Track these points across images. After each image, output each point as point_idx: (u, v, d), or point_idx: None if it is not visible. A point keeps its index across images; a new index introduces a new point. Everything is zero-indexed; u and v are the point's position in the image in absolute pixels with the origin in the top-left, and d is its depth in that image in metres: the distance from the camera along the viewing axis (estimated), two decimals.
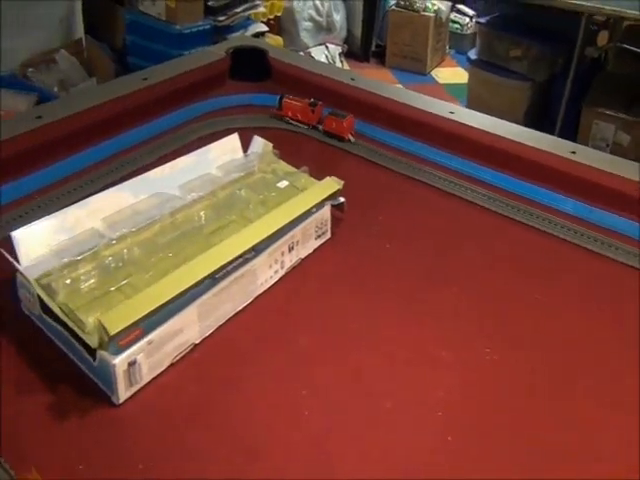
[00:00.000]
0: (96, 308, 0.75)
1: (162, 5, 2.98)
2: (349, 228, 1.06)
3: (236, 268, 0.86)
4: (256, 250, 0.89)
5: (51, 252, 0.82)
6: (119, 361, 0.72)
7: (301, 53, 3.78)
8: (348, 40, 4.43)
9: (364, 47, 4.42)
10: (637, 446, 0.72)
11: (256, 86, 1.49)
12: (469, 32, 4.51)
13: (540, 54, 3.16)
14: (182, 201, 0.95)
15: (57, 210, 0.87)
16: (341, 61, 4.24)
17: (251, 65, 1.53)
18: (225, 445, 0.71)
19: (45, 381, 0.76)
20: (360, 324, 0.89)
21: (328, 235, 1.03)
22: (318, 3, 4.14)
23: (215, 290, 0.83)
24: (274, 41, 3.42)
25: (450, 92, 4.05)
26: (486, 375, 0.82)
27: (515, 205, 1.14)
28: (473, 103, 3.41)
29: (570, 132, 2.82)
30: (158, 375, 0.78)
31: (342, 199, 1.04)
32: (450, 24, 4.51)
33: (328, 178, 1.03)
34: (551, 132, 1.37)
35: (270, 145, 1.09)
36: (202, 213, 0.93)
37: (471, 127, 1.31)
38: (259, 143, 1.09)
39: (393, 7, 4.29)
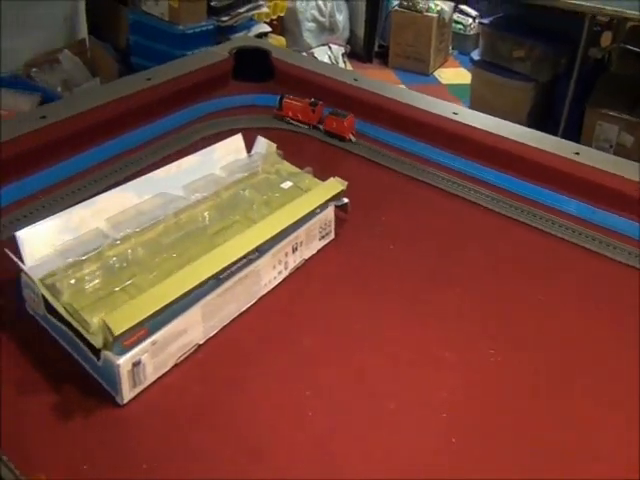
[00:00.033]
0: (100, 308, 0.75)
1: (165, 5, 2.98)
2: (353, 229, 1.06)
3: (240, 269, 0.86)
4: (260, 251, 0.89)
5: (55, 252, 0.82)
6: (123, 361, 0.72)
7: (304, 54, 3.78)
8: (351, 41, 4.43)
9: (367, 48, 4.42)
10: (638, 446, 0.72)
11: (259, 86, 1.49)
12: (472, 33, 4.51)
13: (543, 55, 3.15)
14: (186, 201, 0.95)
15: (61, 210, 0.87)
16: (344, 62, 4.24)
17: (254, 66, 1.53)
18: (229, 445, 0.71)
19: (49, 381, 0.76)
20: (364, 325, 0.89)
21: (332, 236, 1.03)
22: (321, 3, 4.15)
23: (219, 291, 0.83)
24: (277, 41, 3.43)
25: (453, 93, 4.05)
26: (490, 376, 0.82)
27: (518, 206, 1.14)
28: (476, 104, 3.41)
29: (573, 133, 2.82)
30: (162, 375, 0.78)
31: (346, 200, 1.04)
32: (453, 25, 4.51)
33: (332, 179, 1.03)
34: (554, 133, 1.37)
35: (274, 146, 1.09)
36: (206, 213, 0.93)
37: (474, 128, 1.31)
38: (263, 144, 1.09)
39: (396, 7, 4.29)
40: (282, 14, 3.76)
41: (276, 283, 0.93)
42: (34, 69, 2.81)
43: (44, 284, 0.78)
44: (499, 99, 3.25)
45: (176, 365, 0.79)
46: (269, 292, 0.92)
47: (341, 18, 4.28)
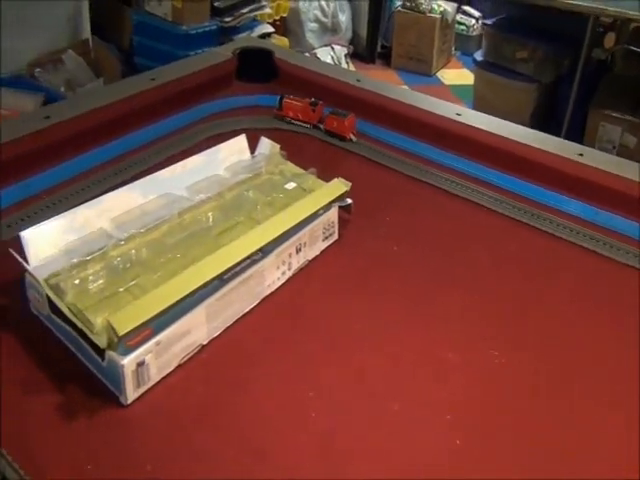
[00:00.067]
0: (105, 308, 0.75)
1: (168, 5, 2.99)
2: (356, 230, 1.06)
3: (244, 269, 0.86)
4: (264, 251, 0.89)
5: (60, 252, 0.82)
6: (128, 361, 0.72)
7: (307, 54, 3.79)
8: (354, 41, 4.44)
9: (370, 48, 4.42)
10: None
11: (262, 87, 1.49)
12: (475, 34, 4.51)
13: (546, 56, 3.15)
14: (190, 202, 0.95)
15: (65, 210, 0.87)
16: (347, 62, 4.24)
17: (257, 66, 1.53)
18: (233, 446, 0.71)
19: (53, 381, 0.76)
20: (367, 326, 0.89)
21: (335, 237, 1.03)
22: (324, 4, 4.15)
23: (223, 291, 0.83)
24: (280, 42, 3.43)
25: (456, 93, 4.05)
26: (494, 377, 0.82)
27: (522, 207, 1.14)
28: (479, 105, 3.41)
29: (576, 134, 2.82)
30: (166, 376, 0.78)
31: (349, 201, 1.04)
32: (456, 25, 4.51)
33: (335, 180, 1.03)
34: (557, 134, 1.36)
35: (277, 146, 1.09)
36: (210, 214, 0.93)
37: (477, 129, 1.31)
38: (266, 144, 1.09)
39: (399, 8, 4.29)
40: (285, 15, 3.77)
41: (280, 284, 0.93)
42: (37, 69, 2.82)
43: (48, 284, 0.78)
44: (502, 100, 3.25)
45: (180, 365, 0.80)
46: (273, 293, 0.92)
47: (344, 19, 4.28)
